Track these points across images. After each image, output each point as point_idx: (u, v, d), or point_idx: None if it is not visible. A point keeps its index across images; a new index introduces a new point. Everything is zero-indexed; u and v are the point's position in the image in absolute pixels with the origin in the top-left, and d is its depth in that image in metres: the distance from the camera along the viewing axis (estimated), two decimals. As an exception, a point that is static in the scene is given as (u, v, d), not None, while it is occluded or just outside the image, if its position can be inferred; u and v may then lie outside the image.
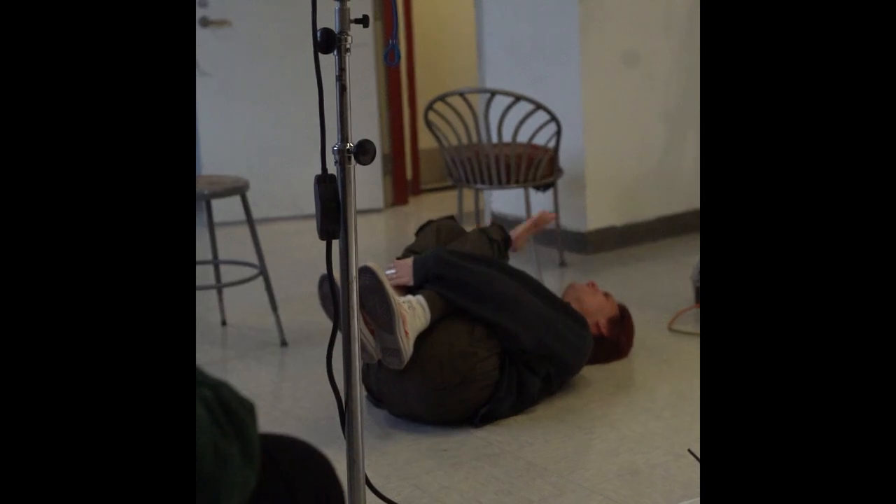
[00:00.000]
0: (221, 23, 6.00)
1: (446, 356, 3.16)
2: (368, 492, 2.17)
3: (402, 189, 6.66)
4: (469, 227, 3.72)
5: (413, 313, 3.12)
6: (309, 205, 5.88)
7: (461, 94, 4.55)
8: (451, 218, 3.69)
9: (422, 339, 3.17)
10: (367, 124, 6.34)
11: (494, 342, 3.23)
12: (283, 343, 4.03)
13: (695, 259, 4.29)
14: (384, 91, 6.48)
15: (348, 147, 1.99)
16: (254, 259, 4.14)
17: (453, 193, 5.74)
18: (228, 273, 4.71)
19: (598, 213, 5.18)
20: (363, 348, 3.06)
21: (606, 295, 3.71)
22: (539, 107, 4.50)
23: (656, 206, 5.38)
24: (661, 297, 4.42)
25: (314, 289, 3.46)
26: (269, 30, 6.04)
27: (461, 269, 3.25)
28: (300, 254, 5.37)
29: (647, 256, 5.11)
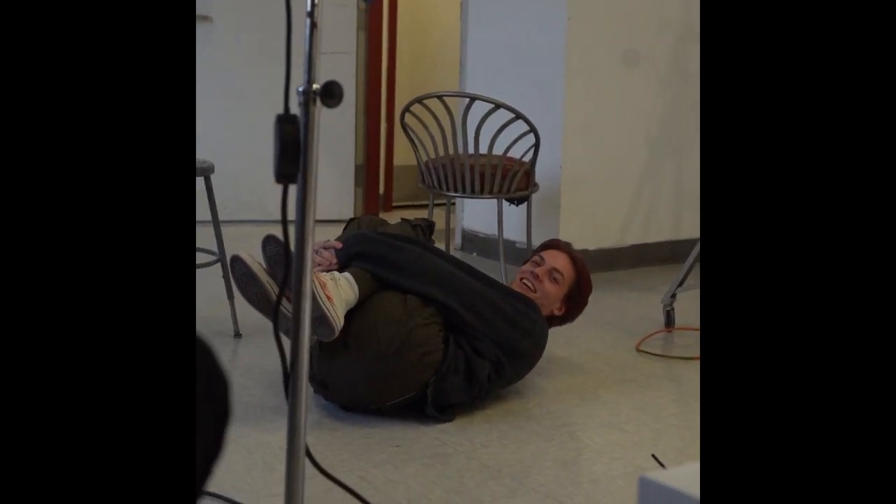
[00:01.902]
0: (203, 18, 5.89)
1: (381, 323, 3.02)
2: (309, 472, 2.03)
3: (373, 202, 6.54)
4: (439, 244, 3.61)
5: (335, 283, 2.99)
6: (277, 209, 5.76)
7: (440, 97, 4.44)
8: (373, 216, 3.58)
9: (355, 315, 3.03)
10: (342, 134, 6.24)
11: (431, 311, 3.08)
12: (237, 334, 3.88)
13: (668, 287, 4.19)
14: (362, 102, 6.39)
15: (314, 88, 1.86)
16: (213, 247, 4.00)
17: (425, 211, 5.64)
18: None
19: (571, 235, 5.05)
20: (286, 318, 2.92)
21: (558, 254, 3.49)
22: (518, 116, 4.40)
23: (632, 233, 5.28)
24: (631, 320, 4.30)
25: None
26: (248, 29, 5.94)
27: (384, 245, 3.14)
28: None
29: (619, 282, 5.00)
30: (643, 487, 1.34)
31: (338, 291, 2.97)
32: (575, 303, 3.50)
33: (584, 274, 3.50)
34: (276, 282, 3.01)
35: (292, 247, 1.91)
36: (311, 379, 3.19)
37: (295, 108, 1.87)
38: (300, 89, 1.87)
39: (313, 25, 1.87)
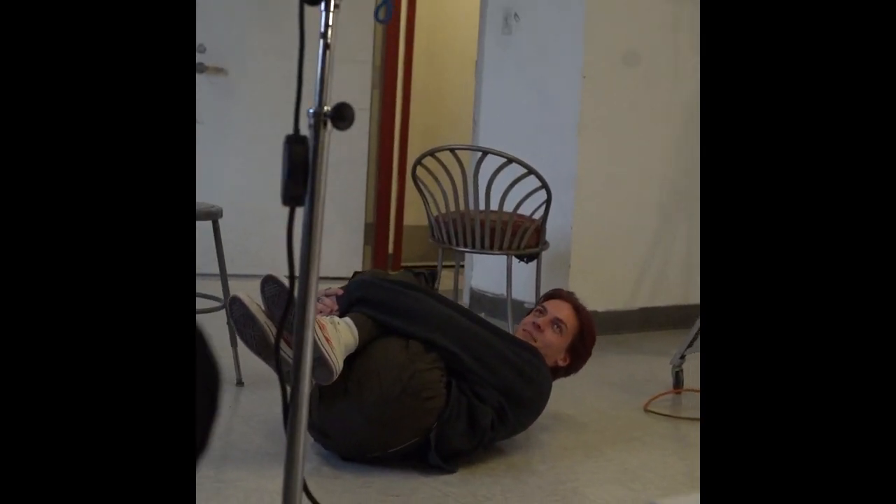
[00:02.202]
0: (217, 70, 5.91)
1: (382, 368, 2.96)
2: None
3: (382, 261, 6.50)
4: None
5: (335, 326, 2.94)
6: (284, 266, 5.73)
7: (452, 150, 4.42)
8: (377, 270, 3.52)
9: (356, 360, 2.98)
10: (353, 191, 6.22)
11: (434, 356, 3.02)
12: (240, 382, 3.82)
13: (677, 349, 4.13)
14: (375, 160, 6.38)
15: (325, 110, 1.83)
16: (219, 293, 3.95)
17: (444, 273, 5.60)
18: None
19: (580, 296, 5.01)
20: (285, 361, 2.87)
21: (560, 305, 3.44)
22: (531, 171, 4.37)
23: (641, 297, 5.23)
24: (639, 381, 4.24)
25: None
26: (263, 82, 5.95)
27: (386, 290, 3.08)
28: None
29: (628, 344, 4.94)
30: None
31: (337, 335, 2.92)
32: (579, 353, 3.44)
33: (588, 324, 3.45)
34: (274, 323, 2.96)
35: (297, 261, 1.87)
36: (311, 427, 3.12)
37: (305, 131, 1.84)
38: (311, 111, 1.84)
39: (326, 47, 1.84)
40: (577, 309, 3.45)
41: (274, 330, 2.95)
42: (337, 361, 2.88)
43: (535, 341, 3.35)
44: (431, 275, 3.42)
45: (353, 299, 3.09)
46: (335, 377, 2.89)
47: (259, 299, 3.03)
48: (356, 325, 2.99)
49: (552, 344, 3.37)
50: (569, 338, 3.40)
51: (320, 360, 2.85)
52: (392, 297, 3.07)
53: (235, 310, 2.98)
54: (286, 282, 2.89)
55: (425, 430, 2.99)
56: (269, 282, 2.98)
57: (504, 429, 3.14)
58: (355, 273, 3.50)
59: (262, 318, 2.95)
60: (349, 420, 2.99)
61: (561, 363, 3.41)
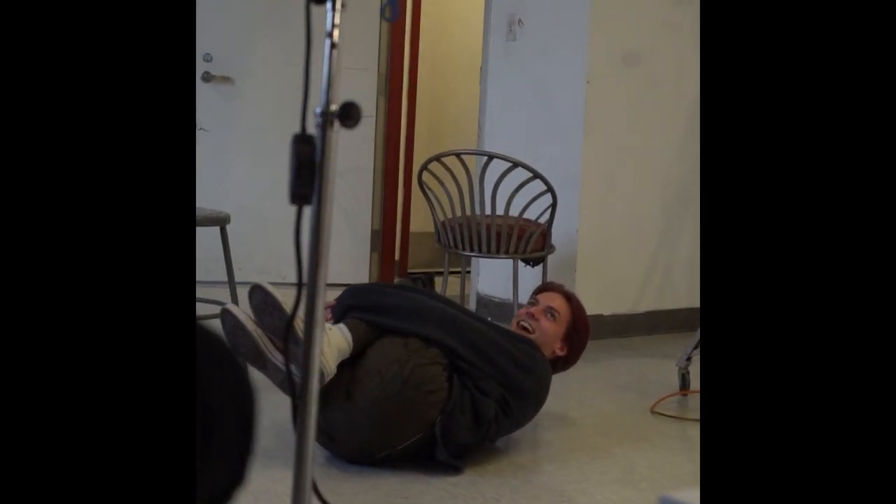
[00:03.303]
0: (224, 79, 5.93)
1: (383, 364, 2.98)
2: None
3: (388, 268, 6.51)
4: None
5: (330, 332, 2.97)
6: (292, 272, 5.76)
7: (457, 155, 4.44)
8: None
9: (357, 362, 3.01)
10: (360, 199, 6.24)
11: (435, 352, 3.03)
12: (247, 386, 3.83)
13: (683, 351, 4.14)
14: (381, 166, 6.39)
15: (332, 109, 1.85)
16: (226, 298, 3.97)
17: (439, 280, 5.61)
18: (198, 309, 4.53)
19: (587, 300, 4.97)
20: (288, 377, 2.90)
21: (553, 295, 3.49)
22: (536, 175, 4.39)
23: (647, 300, 5.24)
24: (646, 383, 4.25)
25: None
26: (270, 89, 5.97)
27: (376, 293, 3.12)
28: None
29: (634, 347, 4.94)
30: (663, 506, 1.34)
31: (327, 339, 2.94)
32: (574, 342, 3.47)
33: (580, 311, 3.50)
34: (265, 332, 2.98)
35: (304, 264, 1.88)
36: (318, 432, 3.14)
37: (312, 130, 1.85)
38: (318, 110, 1.85)
39: (332, 46, 1.86)
40: (568, 297, 3.51)
41: (265, 339, 2.97)
42: (328, 364, 2.90)
43: (532, 332, 3.37)
44: (429, 279, 3.45)
45: (344, 307, 3.11)
46: (326, 380, 2.92)
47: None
48: (349, 328, 3.01)
49: (547, 331, 3.41)
50: (563, 325, 3.44)
51: None
52: (382, 298, 3.10)
53: (227, 322, 3.00)
54: (272, 290, 2.92)
55: (430, 424, 2.99)
56: (255, 291, 2.99)
57: (508, 421, 3.15)
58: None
59: (251, 326, 2.97)
60: (354, 422, 3.01)
61: (559, 352, 3.43)
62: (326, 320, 3.14)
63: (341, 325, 3.02)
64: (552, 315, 3.43)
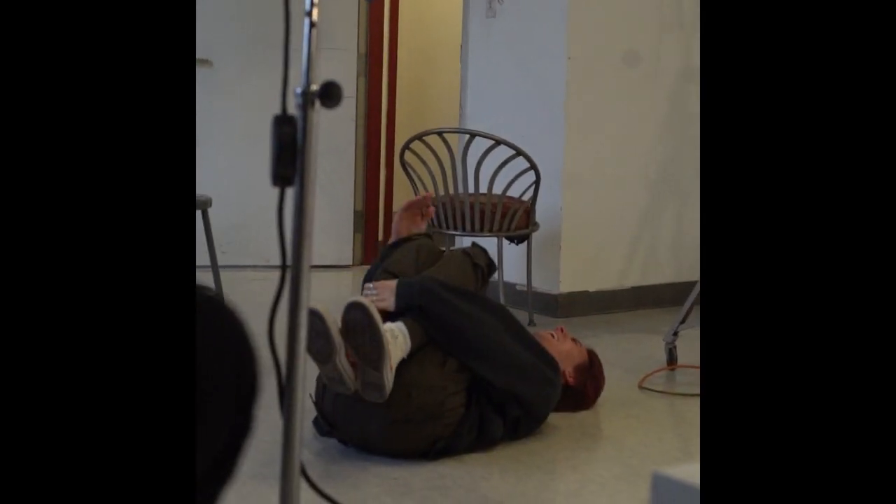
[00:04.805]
0: (203, 62, 5.89)
1: (416, 388, 2.97)
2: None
3: (372, 247, 6.50)
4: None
5: (395, 343, 2.92)
6: (275, 255, 5.73)
7: (439, 134, 4.41)
8: (429, 236, 3.46)
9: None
10: (342, 179, 6.21)
11: (465, 376, 3.06)
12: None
13: (670, 326, 4.13)
14: (362, 147, 6.37)
15: (312, 89, 1.82)
16: (210, 282, 3.94)
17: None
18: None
19: (572, 276, 5.02)
20: (340, 381, 2.90)
21: (575, 340, 3.53)
22: (519, 153, 4.37)
23: (632, 276, 5.24)
24: (633, 359, 4.25)
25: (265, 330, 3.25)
26: (249, 74, 5.93)
27: (446, 305, 3.05)
28: (261, 298, 5.17)
29: (620, 323, 4.94)
30: (657, 482, 1.34)
31: (397, 354, 2.92)
32: (585, 378, 3.49)
33: (598, 362, 3.55)
34: (346, 345, 2.92)
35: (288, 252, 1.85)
36: (320, 415, 3.12)
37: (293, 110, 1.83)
38: (298, 90, 1.83)
39: (312, 25, 1.83)
40: (589, 349, 3.57)
41: (343, 349, 2.90)
42: (391, 385, 2.89)
43: (552, 347, 3.38)
44: (489, 267, 3.34)
45: (413, 305, 3.05)
46: (385, 399, 2.91)
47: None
48: (410, 335, 2.98)
49: (566, 347, 3.45)
50: (581, 357, 3.48)
51: (376, 386, 2.86)
52: (450, 316, 3.04)
53: (315, 323, 2.87)
54: (377, 318, 2.85)
55: (435, 440, 3.01)
56: (355, 309, 2.88)
57: (512, 436, 3.19)
58: (406, 239, 3.37)
59: (336, 337, 2.88)
60: (366, 423, 3.00)
61: (568, 378, 3.42)
62: (385, 307, 3.07)
63: (404, 330, 2.97)
64: (576, 342, 3.52)
